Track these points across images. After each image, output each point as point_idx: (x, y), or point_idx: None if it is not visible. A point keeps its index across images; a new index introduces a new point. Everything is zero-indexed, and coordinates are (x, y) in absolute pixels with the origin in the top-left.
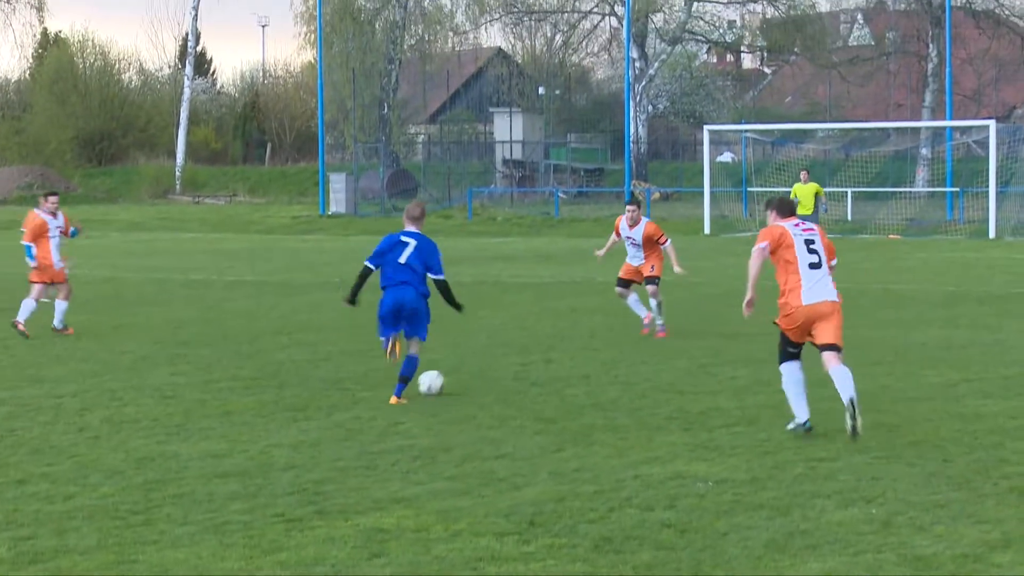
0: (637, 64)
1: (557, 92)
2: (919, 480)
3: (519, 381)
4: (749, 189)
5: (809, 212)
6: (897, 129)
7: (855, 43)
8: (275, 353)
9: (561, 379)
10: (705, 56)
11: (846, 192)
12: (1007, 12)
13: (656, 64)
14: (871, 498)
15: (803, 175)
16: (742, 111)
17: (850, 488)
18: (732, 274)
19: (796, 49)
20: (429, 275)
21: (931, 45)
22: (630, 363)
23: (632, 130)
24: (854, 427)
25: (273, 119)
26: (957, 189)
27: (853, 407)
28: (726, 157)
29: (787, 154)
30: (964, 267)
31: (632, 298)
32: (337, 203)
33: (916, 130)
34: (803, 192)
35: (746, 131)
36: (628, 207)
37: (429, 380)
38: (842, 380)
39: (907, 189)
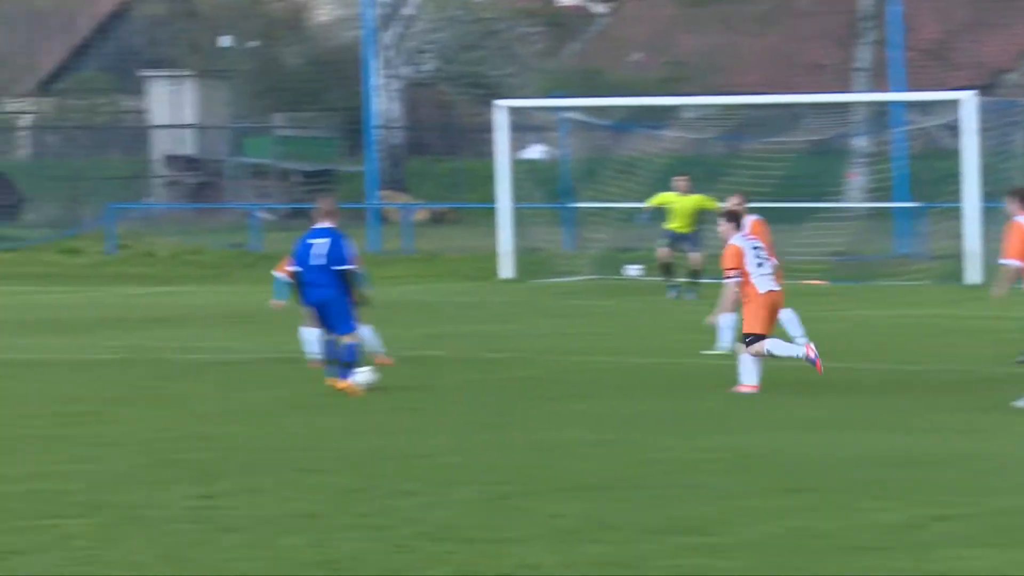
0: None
1: (254, 44)
2: None
3: (201, 525)
4: (573, 204)
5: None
6: (815, 107)
7: None
8: None
9: (270, 520)
10: None
11: None
12: None
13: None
14: None
15: (680, 183)
16: (560, 76)
17: None
18: (552, 346)
19: None
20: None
21: None
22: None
23: (379, 107)
24: None
25: None
26: (916, 204)
27: None
28: (536, 152)
29: (636, 146)
30: (938, 333)
31: None
32: None
33: (846, 108)
34: (681, 205)
35: (567, 109)
36: None
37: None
38: None
39: (834, 204)
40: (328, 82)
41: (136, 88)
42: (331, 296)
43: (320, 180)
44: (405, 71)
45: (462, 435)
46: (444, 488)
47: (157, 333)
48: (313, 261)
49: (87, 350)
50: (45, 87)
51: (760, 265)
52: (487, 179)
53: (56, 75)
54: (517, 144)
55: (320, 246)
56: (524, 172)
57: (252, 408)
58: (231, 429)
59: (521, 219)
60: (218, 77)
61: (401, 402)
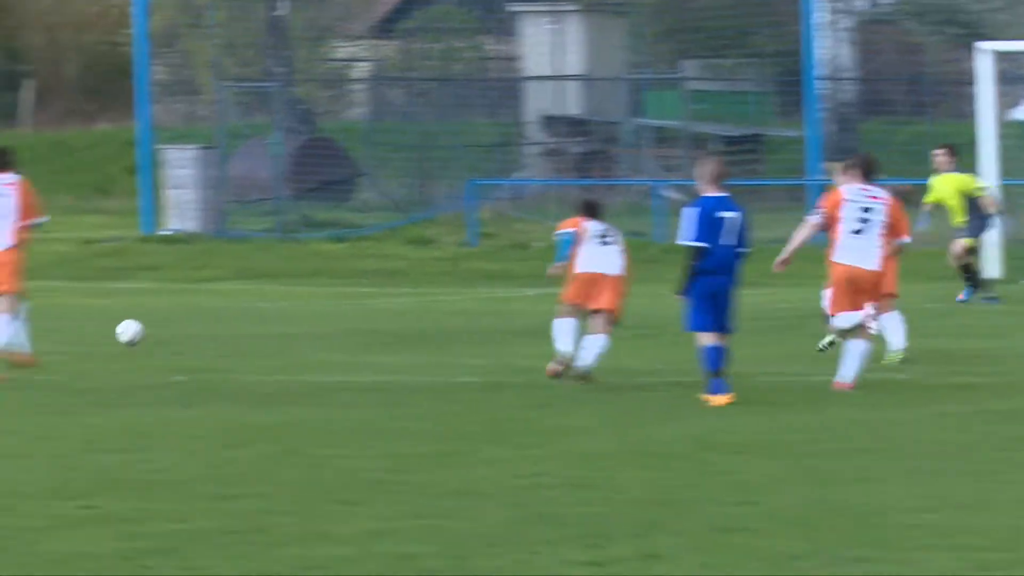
0: None
1: None
2: None
3: None
4: None
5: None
6: None
7: None
8: None
9: None
10: None
11: None
12: None
13: None
14: None
15: (939, 156)
16: None
17: None
18: None
19: None
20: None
21: None
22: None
23: (824, 53)
24: None
25: (35, 31)
26: None
27: None
28: None
29: None
30: None
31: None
32: (180, 212)
33: None
34: (943, 187)
35: None
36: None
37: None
38: None
39: None
40: (757, 20)
41: (505, 28)
42: (732, 284)
43: (746, 148)
44: (858, 5)
45: (931, 485)
46: (910, 554)
47: (529, 349)
48: (723, 239)
49: (439, 371)
50: (386, 27)
51: (858, 232)
52: (965, 146)
53: (400, 11)
54: (1007, 100)
55: (732, 221)
56: (1016, 137)
57: (652, 447)
58: (625, 475)
59: (1012, 199)
60: (612, 13)
61: (849, 441)
